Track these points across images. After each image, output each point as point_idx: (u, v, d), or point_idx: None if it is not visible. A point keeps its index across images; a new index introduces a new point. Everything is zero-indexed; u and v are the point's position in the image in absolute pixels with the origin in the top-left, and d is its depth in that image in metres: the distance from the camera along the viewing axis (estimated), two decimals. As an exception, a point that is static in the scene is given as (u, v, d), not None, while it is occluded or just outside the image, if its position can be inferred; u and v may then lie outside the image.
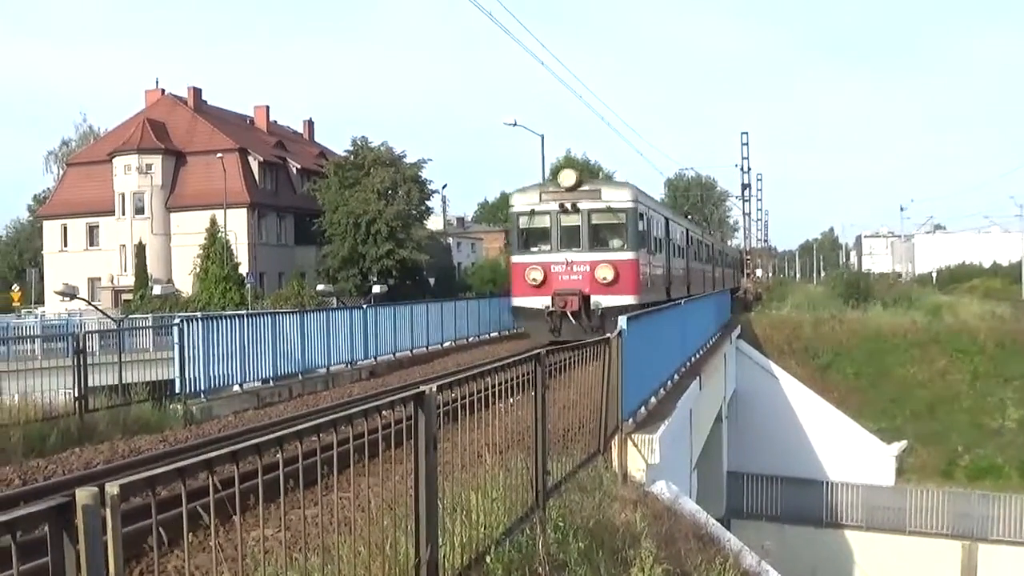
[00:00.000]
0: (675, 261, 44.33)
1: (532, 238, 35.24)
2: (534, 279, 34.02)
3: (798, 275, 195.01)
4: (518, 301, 34.94)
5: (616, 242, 34.45)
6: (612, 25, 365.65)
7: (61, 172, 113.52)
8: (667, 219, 42.70)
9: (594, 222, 34.38)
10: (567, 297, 33.19)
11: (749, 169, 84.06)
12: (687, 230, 51.83)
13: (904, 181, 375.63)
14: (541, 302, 33.66)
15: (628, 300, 32.55)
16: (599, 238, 34.54)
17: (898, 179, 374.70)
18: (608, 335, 14.69)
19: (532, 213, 34.84)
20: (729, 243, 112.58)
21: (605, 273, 33.39)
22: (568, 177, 34.73)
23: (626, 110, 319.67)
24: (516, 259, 35.61)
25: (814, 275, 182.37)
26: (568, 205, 34.16)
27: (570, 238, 34.33)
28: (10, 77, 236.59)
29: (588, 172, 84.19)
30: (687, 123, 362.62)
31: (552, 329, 33.25)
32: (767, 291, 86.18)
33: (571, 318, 32.96)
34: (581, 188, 34.56)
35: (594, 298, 33.30)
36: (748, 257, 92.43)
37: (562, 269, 34.03)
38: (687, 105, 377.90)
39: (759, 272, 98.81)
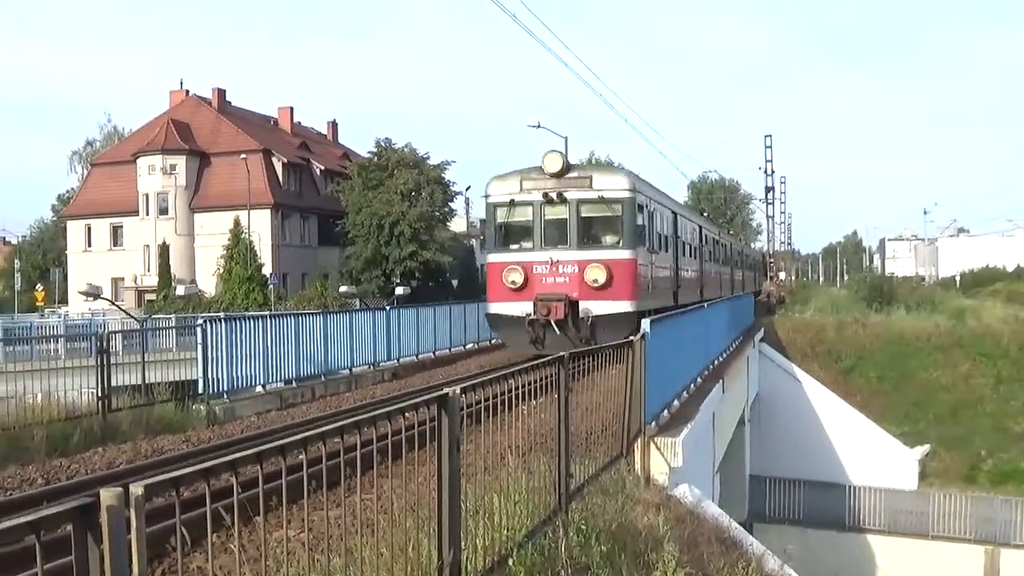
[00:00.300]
0: (685, 262, 40.68)
1: (511, 233, 31.13)
2: (513, 282, 29.74)
3: (821, 278, 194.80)
4: (494, 307, 30.69)
5: (609, 238, 30.42)
6: (634, 27, 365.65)
7: (85, 172, 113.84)
8: (675, 214, 39.06)
9: (584, 215, 30.11)
10: (551, 303, 29.04)
11: (772, 172, 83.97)
12: (700, 227, 48.49)
13: (927, 184, 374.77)
14: (521, 308, 29.49)
15: (623, 307, 29.01)
16: (590, 233, 30.35)
17: (921, 182, 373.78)
18: (631, 338, 14.61)
19: (511, 204, 30.48)
20: (752, 246, 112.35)
21: (596, 275, 29.07)
22: (554, 162, 30.07)
23: (649, 112, 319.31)
24: (492, 258, 31.28)
25: (837, 278, 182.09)
26: (553, 195, 29.75)
27: (556, 233, 30.17)
28: (35, 78, 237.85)
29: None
30: (710, 126, 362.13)
31: (533, 340, 29.19)
32: (790, 294, 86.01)
33: (555, 328, 28.82)
34: (569, 175, 30.14)
35: (583, 304, 29.02)
36: (771, 260, 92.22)
37: (546, 270, 29.81)
38: (710, 107, 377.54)
39: (782, 275, 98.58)
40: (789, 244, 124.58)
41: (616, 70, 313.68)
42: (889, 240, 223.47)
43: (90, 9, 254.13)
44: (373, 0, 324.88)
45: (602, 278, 29.03)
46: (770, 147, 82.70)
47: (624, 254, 29.88)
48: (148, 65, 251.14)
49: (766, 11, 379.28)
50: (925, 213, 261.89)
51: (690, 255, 42.88)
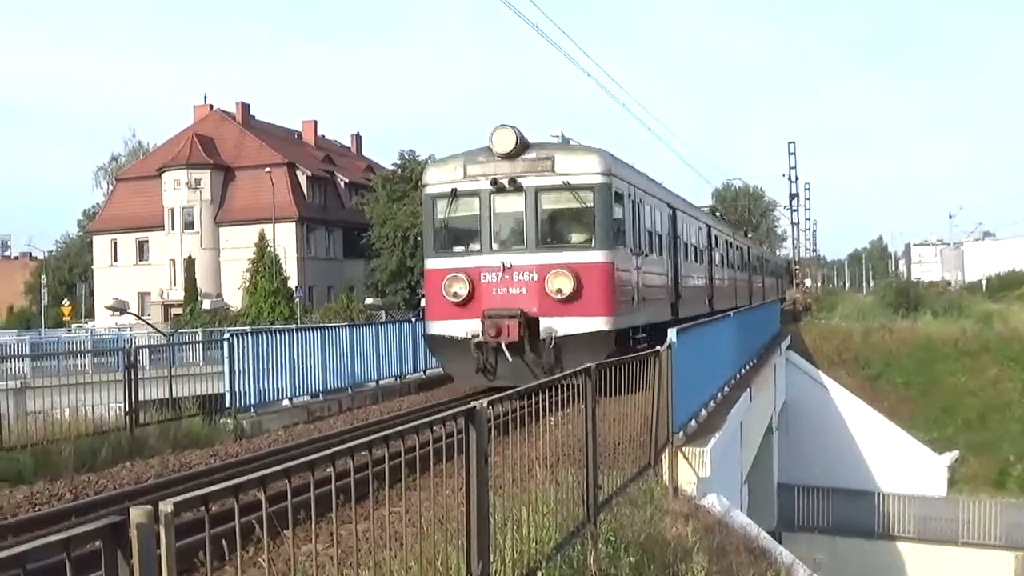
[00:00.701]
0: (688, 267, 35.19)
1: (453, 232, 25.57)
2: (455, 294, 24.18)
3: (847, 284, 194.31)
4: (433, 327, 25.10)
5: (578, 236, 24.71)
6: (656, 34, 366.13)
7: (111, 187, 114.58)
8: (673, 209, 33.07)
9: (545, 207, 24.28)
10: (502, 321, 23.28)
11: (797, 178, 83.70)
12: (709, 227, 42.29)
13: (952, 188, 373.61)
14: (465, 328, 23.93)
15: (596, 324, 23.46)
16: (552, 231, 24.67)
17: (946, 186, 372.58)
18: (658, 348, 14.52)
19: (454, 195, 24.73)
20: (778, 252, 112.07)
21: (560, 283, 23.39)
22: (504, 139, 24.03)
23: (672, 120, 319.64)
24: (431, 264, 25.70)
25: (863, 284, 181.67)
26: (505, 182, 23.93)
27: (509, 231, 24.71)
28: (60, 92, 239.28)
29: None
30: (733, 132, 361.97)
31: (482, 369, 23.78)
32: (816, 301, 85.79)
33: (507, 353, 23.14)
34: (525, 156, 24.16)
35: (544, 322, 23.41)
36: (797, 267, 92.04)
37: (496, 278, 24.02)
38: (733, 114, 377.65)
39: (808, 282, 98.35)
40: (814, 250, 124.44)
41: (638, 78, 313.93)
42: (915, 245, 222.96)
43: (113, 24, 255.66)
44: (396, 13, 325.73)
45: (568, 287, 23.41)
46: (794, 154, 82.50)
47: (596, 256, 24.08)
48: (172, 80, 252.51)
49: (789, 16, 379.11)
50: (950, 217, 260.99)
51: (695, 259, 37.44)
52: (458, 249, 25.14)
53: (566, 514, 9.40)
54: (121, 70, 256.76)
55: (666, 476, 14.94)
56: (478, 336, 23.49)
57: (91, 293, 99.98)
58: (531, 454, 9.05)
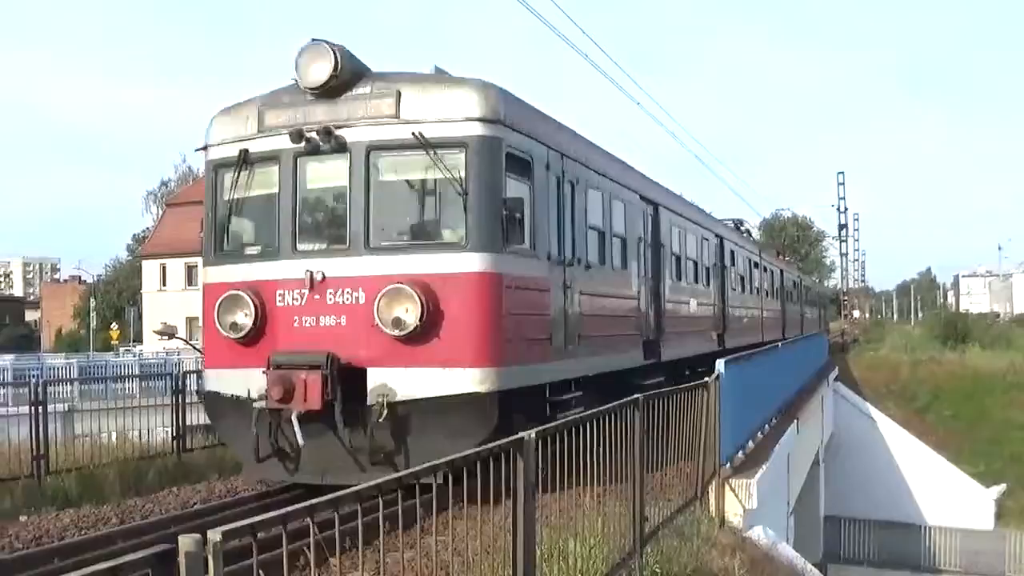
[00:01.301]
0: (680, 290, 25.60)
1: (242, 223, 16.05)
2: (234, 326, 14.39)
3: (896, 315, 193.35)
4: (211, 378, 15.49)
5: (444, 230, 14.46)
6: (706, 66, 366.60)
7: (160, 212, 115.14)
8: (655, 205, 23.24)
9: (384, 177, 14.33)
10: (296, 375, 13.17)
11: (846, 209, 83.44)
12: (721, 239, 32.11)
13: (1002, 219, 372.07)
14: (244, 382, 14.09)
15: (464, 382, 13.40)
16: (396, 219, 14.64)
17: (996, 217, 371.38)
18: (706, 380, 14.38)
19: (244, 161, 14.87)
20: (826, 283, 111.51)
21: (401, 309, 13.29)
22: (318, 65, 13.86)
23: (722, 150, 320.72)
24: (209, 276, 15.81)
25: (912, 315, 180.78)
26: (317, 135, 13.98)
27: (323, 220, 15.25)
28: (111, 118, 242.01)
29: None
30: (783, 163, 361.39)
31: (274, 452, 13.87)
32: (864, 332, 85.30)
33: (299, 432, 13.08)
34: (355, 92, 14.14)
35: (375, 375, 13.48)
36: (845, 298, 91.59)
37: (300, 300, 14.01)
38: (783, 145, 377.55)
39: (856, 313, 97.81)
40: (863, 281, 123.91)
41: (687, 107, 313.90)
42: (963, 276, 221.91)
43: (166, 51, 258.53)
44: (446, 42, 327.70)
45: (412, 316, 13.25)
46: (843, 184, 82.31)
47: (469, 262, 13.75)
48: (223, 106, 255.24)
49: (840, 46, 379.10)
50: (1000, 248, 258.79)
51: (695, 280, 27.95)
52: (250, 252, 15.55)
53: (612, 545, 9.36)
54: (173, 96, 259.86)
55: (713, 508, 14.82)
56: (262, 398, 13.56)
57: (139, 317, 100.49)
58: (578, 485, 8.99)
